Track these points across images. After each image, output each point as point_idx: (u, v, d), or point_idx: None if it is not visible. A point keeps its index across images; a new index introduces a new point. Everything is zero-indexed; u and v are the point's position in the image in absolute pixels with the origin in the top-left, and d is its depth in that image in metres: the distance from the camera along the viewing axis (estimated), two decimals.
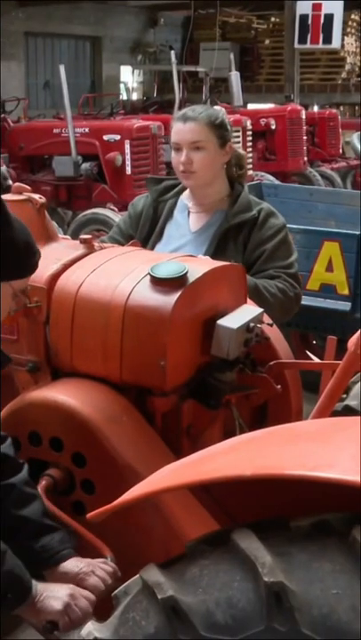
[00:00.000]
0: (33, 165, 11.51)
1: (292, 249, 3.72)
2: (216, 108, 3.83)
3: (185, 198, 3.74)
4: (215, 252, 3.49)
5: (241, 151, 3.83)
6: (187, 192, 3.73)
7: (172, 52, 14.01)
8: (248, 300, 3.01)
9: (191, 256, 2.99)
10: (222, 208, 3.67)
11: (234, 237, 3.59)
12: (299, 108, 14.18)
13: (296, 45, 17.05)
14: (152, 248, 3.58)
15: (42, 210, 2.97)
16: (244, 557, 1.52)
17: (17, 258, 2.27)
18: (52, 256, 2.84)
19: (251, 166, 12.11)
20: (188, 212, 3.71)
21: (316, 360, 5.46)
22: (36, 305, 2.71)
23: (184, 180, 3.64)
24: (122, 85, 22.52)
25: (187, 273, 2.59)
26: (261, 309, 2.91)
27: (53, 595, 2.20)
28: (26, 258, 2.32)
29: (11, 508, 2.33)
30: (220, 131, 3.57)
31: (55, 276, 2.74)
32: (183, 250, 3.43)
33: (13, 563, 2.15)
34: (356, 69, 21.85)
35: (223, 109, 3.70)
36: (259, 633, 1.46)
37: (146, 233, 3.68)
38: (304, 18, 16.57)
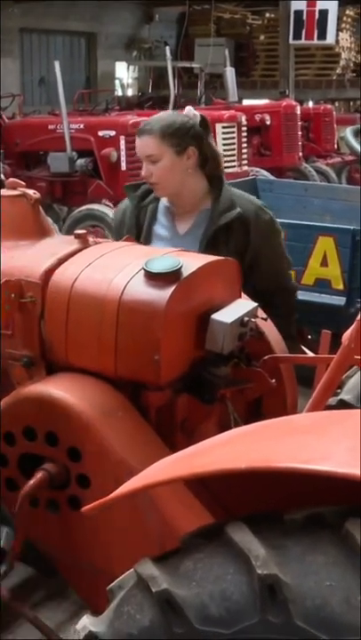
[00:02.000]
0: (28, 161, 11.49)
1: (282, 238, 3.83)
2: (170, 113, 3.71)
3: (165, 201, 3.72)
4: (205, 253, 3.48)
5: (218, 149, 3.79)
6: None
7: (167, 47, 14.03)
8: (242, 294, 3.02)
9: (186, 251, 2.99)
10: (205, 207, 3.65)
11: (224, 237, 3.59)
12: (294, 103, 14.15)
13: (291, 41, 17.01)
14: None
15: (36, 205, 2.98)
16: (238, 550, 1.52)
17: None
18: (46, 251, 2.85)
19: (246, 162, 12.10)
20: (173, 215, 3.70)
21: (310, 354, 5.45)
22: (31, 300, 2.71)
23: (154, 191, 3.64)
24: (117, 81, 22.46)
25: (181, 268, 2.59)
26: (256, 304, 2.92)
27: None
28: None
29: None
30: (175, 139, 3.50)
31: (50, 271, 2.74)
32: None
33: None
34: (351, 65, 21.81)
35: (186, 113, 3.63)
36: (253, 625, 1.47)
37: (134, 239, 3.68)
38: (299, 13, 16.53)
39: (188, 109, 3.65)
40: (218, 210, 3.60)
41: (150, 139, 3.52)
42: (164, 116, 3.64)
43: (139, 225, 3.71)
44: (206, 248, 3.52)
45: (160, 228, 3.70)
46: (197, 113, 3.63)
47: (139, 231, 3.69)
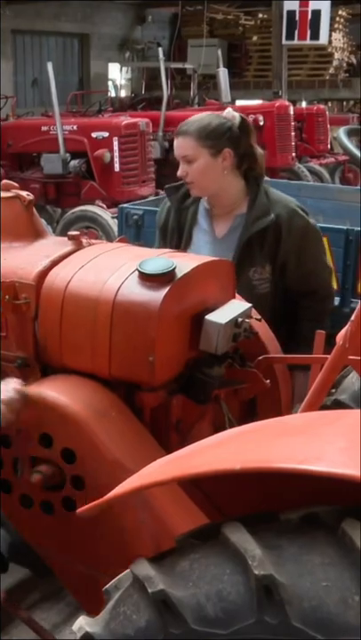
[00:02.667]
0: (22, 163, 11.50)
1: (321, 240, 3.89)
2: (208, 114, 3.69)
3: (205, 202, 3.76)
4: (241, 257, 3.55)
5: (259, 150, 3.78)
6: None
7: (160, 48, 14.02)
8: (237, 295, 3.02)
9: (180, 252, 3.00)
10: (242, 211, 3.68)
11: (258, 242, 3.61)
12: (287, 103, 14.15)
13: (284, 41, 17.02)
14: None
15: (30, 207, 2.97)
16: (234, 551, 1.52)
17: None
18: (40, 253, 2.84)
19: None
20: (211, 217, 3.73)
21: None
22: (25, 301, 2.70)
23: (190, 190, 3.67)
24: (110, 83, 22.49)
25: (175, 269, 2.59)
26: (250, 304, 2.92)
27: None
28: None
29: None
30: (211, 141, 3.54)
31: (44, 273, 2.73)
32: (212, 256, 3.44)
33: None
34: (344, 65, 21.87)
35: (225, 114, 3.64)
36: (249, 626, 1.47)
37: (175, 242, 3.73)
38: (291, 14, 16.54)
39: (228, 111, 3.67)
40: (252, 216, 3.63)
41: (186, 140, 3.56)
42: (202, 117, 3.66)
43: (180, 227, 3.76)
44: (242, 252, 3.57)
45: (200, 231, 3.74)
46: (236, 114, 3.65)
47: (180, 233, 3.74)
